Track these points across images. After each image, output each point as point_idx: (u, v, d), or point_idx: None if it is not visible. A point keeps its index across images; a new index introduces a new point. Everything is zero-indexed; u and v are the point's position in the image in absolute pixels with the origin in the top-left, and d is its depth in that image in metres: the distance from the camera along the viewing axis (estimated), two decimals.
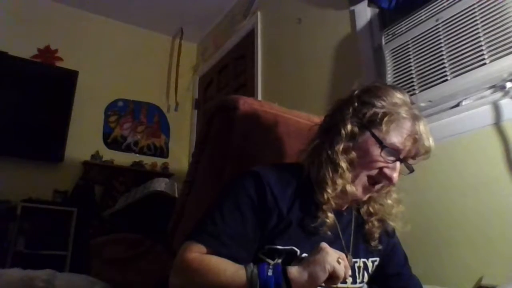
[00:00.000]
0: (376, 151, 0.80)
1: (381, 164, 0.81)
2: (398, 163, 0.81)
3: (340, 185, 0.80)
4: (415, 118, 0.81)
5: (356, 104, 0.83)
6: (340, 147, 0.81)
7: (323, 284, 0.71)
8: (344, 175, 0.80)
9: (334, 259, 0.69)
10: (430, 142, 0.81)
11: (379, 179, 0.83)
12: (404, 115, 0.80)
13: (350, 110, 0.83)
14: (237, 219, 0.79)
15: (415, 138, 0.80)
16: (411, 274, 0.99)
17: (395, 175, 0.81)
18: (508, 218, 1.24)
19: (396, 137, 0.79)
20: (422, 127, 0.80)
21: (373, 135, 0.80)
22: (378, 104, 0.81)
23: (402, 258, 0.99)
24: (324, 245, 0.72)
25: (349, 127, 0.81)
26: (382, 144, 0.79)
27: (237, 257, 0.76)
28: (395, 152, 0.80)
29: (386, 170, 0.81)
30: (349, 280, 0.86)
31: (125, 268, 1.32)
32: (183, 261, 0.76)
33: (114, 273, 1.34)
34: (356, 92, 0.85)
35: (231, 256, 0.76)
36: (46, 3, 3.67)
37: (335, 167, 0.80)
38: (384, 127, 0.79)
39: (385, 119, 0.79)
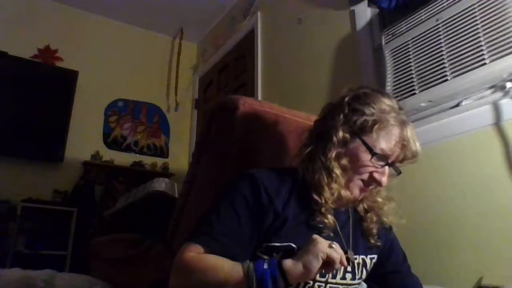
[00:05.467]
0: (366, 157, 0.84)
1: (371, 169, 0.85)
2: (387, 168, 0.86)
3: (336, 190, 0.84)
4: (402, 124, 0.85)
5: (346, 111, 0.87)
6: (333, 154, 0.85)
7: (323, 272, 0.73)
8: (338, 180, 0.84)
9: (325, 246, 0.71)
10: (417, 146, 0.86)
11: (370, 182, 0.87)
12: (393, 122, 0.84)
13: (341, 117, 0.86)
14: (233, 219, 0.81)
15: (404, 144, 0.84)
16: (410, 273, 1.00)
17: (384, 179, 0.85)
18: (508, 218, 1.24)
19: (385, 144, 0.84)
20: (409, 132, 0.85)
21: (364, 143, 0.84)
22: (368, 111, 0.85)
23: (401, 256, 1.00)
24: (315, 236, 0.74)
25: (340, 134, 0.85)
26: (372, 151, 0.83)
27: (234, 256, 0.77)
28: (384, 158, 0.84)
29: (376, 175, 0.85)
30: (349, 276, 0.87)
31: (125, 268, 1.32)
32: (181, 261, 0.78)
33: (114, 273, 1.34)
34: (346, 99, 0.88)
35: (228, 255, 0.77)
36: (46, 3, 3.67)
37: (329, 173, 0.84)
38: (374, 135, 0.83)
39: (375, 126, 0.83)
